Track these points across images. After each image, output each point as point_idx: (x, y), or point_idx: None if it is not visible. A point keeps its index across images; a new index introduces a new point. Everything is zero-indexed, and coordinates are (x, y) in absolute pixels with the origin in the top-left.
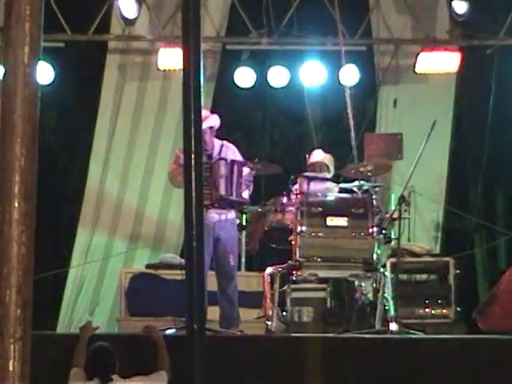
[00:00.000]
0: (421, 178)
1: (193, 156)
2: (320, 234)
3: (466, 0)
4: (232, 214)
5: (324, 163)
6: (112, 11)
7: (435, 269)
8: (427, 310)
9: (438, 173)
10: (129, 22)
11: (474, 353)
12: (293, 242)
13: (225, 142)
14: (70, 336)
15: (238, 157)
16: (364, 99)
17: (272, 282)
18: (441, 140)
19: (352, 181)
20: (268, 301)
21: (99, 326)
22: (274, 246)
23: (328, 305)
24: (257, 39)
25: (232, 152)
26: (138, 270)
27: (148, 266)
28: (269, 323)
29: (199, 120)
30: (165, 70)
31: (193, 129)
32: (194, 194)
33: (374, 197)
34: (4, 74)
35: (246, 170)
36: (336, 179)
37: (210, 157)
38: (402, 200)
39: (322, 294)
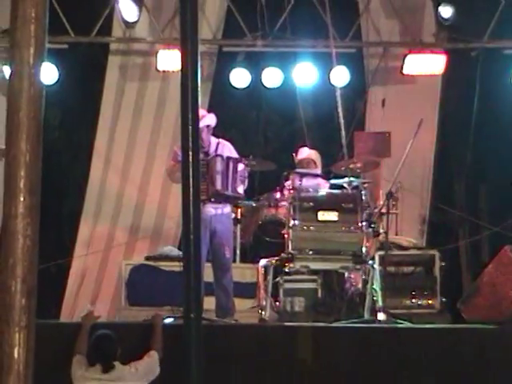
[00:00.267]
0: (408, 175)
1: (190, 153)
2: (311, 227)
3: (451, 4)
4: (228, 208)
5: (310, 159)
6: (113, 15)
7: (421, 261)
8: (414, 300)
9: (424, 170)
10: (129, 25)
11: (458, 341)
12: (285, 236)
13: (221, 140)
14: (72, 325)
15: (234, 154)
16: (354, 99)
17: (265, 274)
18: (427, 138)
19: (342, 177)
20: (262, 291)
21: (100, 315)
22: (267, 239)
23: (319, 295)
24: (252, 41)
25: (228, 149)
26: (138, 262)
27: (147, 258)
28: (262, 313)
29: (196, 119)
30: (164, 71)
31: (190, 127)
32: (191, 189)
33: (363, 192)
34: (10, 74)
35: (241, 167)
36: (327, 175)
37: (206, 154)
38: (389, 196)
39: (313, 285)
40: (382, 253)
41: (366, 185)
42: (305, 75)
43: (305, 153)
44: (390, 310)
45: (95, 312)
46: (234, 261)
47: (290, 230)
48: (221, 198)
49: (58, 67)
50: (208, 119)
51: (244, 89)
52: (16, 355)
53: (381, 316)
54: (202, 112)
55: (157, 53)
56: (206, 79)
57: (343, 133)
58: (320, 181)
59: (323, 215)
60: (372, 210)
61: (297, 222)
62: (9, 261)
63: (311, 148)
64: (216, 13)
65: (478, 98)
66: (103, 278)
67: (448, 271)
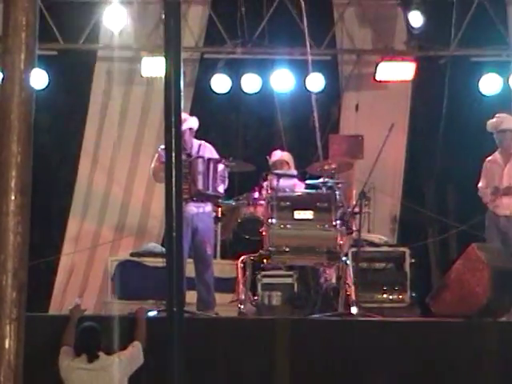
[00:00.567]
0: (380, 176)
1: (173, 154)
2: (288, 225)
3: (421, 14)
4: (209, 207)
5: (283, 160)
6: (101, 23)
7: (392, 258)
8: (385, 295)
9: (395, 171)
10: (116, 33)
11: (427, 334)
12: (263, 233)
13: (202, 142)
14: (60, 317)
15: (215, 155)
16: (328, 104)
17: (244, 269)
18: (398, 141)
19: (317, 178)
20: (241, 286)
21: (87, 308)
22: (246, 236)
23: (295, 290)
24: (232, 49)
25: (209, 151)
26: (124, 258)
27: (132, 254)
28: (241, 306)
29: (179, 122)
30: (148, 77)
31: (173, 130)
32: (174, 188)
33: (337, 192)
34: (2, 79)
35: (221, 167)
36: (303, 176)
37: (189, 155)
38: (362, 195)
39: (289, 280)
40: (354, 249)
41: (339, 185)
42: (282, 81)
43: (278, 155)
44: (363, 304)
45: (82, 305)
46: (215, 257)
47: (268, 228)
48: (202, 198)
49: (47, 73)
50: (190, 122)
51: (224, 94)
52: (7, 346)
53: (354, 310)
54: (184, 115)
55: (141, 59)
56: (189, 84)
57: (318, 136)
58: (296, 181)
59: (299, 214)
60: (346, 209)
61: (274, 221)
62: (0, 256)
63: (285, 150)
64: (198, 21)
65: (446, 104)
66: (90, 273)
67: (418, 267)
